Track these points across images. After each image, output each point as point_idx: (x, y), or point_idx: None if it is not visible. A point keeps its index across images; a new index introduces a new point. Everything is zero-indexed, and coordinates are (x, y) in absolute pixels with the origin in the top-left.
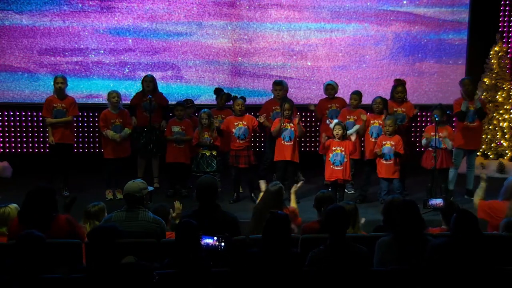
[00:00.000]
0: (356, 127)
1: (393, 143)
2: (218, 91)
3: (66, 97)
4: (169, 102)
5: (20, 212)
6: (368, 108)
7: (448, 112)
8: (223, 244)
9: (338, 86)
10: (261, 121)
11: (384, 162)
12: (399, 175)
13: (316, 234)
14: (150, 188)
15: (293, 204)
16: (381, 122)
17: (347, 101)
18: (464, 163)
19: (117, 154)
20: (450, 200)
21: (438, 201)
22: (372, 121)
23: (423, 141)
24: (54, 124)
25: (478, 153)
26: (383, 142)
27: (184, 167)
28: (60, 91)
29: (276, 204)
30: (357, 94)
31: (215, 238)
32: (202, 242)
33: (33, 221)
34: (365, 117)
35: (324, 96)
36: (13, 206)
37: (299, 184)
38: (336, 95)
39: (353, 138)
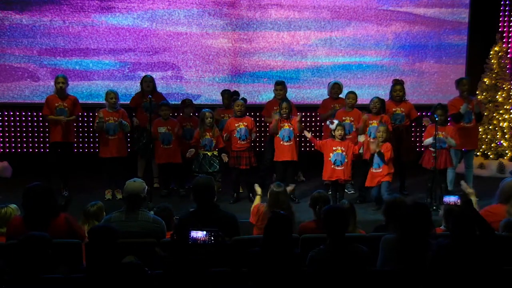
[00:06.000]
0: (361, 137)
1: (382, 151)
2: (224, 93)
3: (68, 97)
4: (170, 103)
5: (25, 213)
6: (366, 109)
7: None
8: (213, 238)
9: (343, 86)
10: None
11: (374, 171)
12: (390, 178)
13: (314, 234)
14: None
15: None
16: (377, 123)
17: None
18: (463, 163)
19: (112, 153)
20: (468, 197)
21: (452, 199)
22: (370, 122)
23: (429, 140)
24: (55, 122)
25: (478, 153)
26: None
27: (177, 166)
28: (61, 91)
29: (284, 201)
30: (354, 94)
31: (205, 232)
32: (190, 237)
33: (33, 221)
34: (365, 117)
35: (326, 97)
36: (13, 206)
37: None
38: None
39: (362, 138)
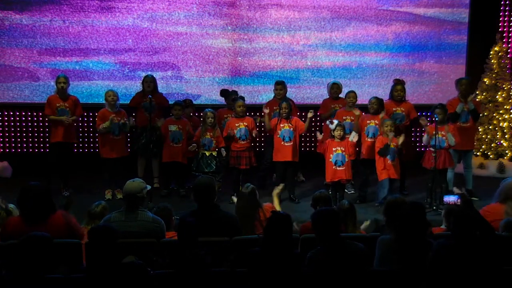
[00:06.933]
0: (354, 134)
1: (395, 144)
2: (225, 92)
3: (69, 97)
4: (169, 103)
5: (24, 211)
6: (366, 109)
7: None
8: None
9: (342, 86)
10: (266, 111)
11: (390, 162)
12: (398, 175)
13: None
14: (148, 187)
15: (277, 207)
16: (377, 122)
17: None
18: (461, 164)
19: (113, 153)
20: (468, 197)
21: (452, 199)
22: (368, 121)
23: (425, 137)
24: (57, 122)
25: (478, 153)
26: (386, 144)
27: (181, 166)
28: (62, 91)
29: (252, 204)
30: (354, 93)
31: None
32: None
33: (32, 217)
34: (357, 112)
35: (326, 97)
36: (11, 206)
37: (280, 187)
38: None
39: (354, 138)
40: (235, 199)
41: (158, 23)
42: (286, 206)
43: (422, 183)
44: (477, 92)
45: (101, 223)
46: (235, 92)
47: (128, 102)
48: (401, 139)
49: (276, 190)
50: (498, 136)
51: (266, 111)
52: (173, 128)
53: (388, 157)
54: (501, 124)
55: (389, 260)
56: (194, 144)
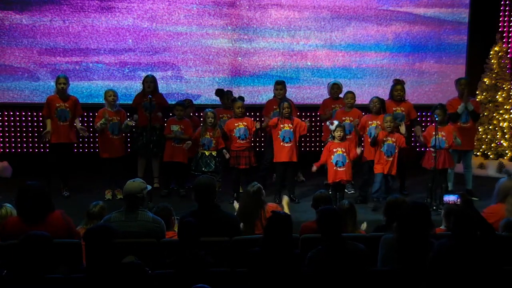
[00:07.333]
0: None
1: (394, 140)
2: (221, 92)
3: (69, 97)
4: (169, 103)
5: (22, 211)
6: (366, 109)
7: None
8: None
9: (342, 86)
10: (257, 127)
11: (386, 158)
12: (395, 172)
13: (315, 234)
14: (148, 187)
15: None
16: (379, 123)
17: None
18: (461, 164)
19: (111, 153)
20: (468, 197)
21: (452, 198)
22: (370, 122)
23: (421, 138)
24: (54, 123)
25: (478, 153)
26: (384, 139)
27: (182, 166)
28: (62, 92)
29: (256, 203)
30: (352, 93)
31: None
32: None
33: (30, 216)
34: (356, 121)
35: (326, 97)
36: (9, 206)
37: (286, 199)
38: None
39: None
40: (236, 205)
41: (158, 23)
42: None
43: (422, 183)
44: (477, 93)
45: (100, 223)
46: (230, 92)
47: (128, 102)
48: (402, 128)
49: (285, 201)
50: (498, 136)
51: (267, 119)
52: (175, 128)
53: (383, 150)
54: (501, 124)
55: (392, 259)
56: (189, 142)
